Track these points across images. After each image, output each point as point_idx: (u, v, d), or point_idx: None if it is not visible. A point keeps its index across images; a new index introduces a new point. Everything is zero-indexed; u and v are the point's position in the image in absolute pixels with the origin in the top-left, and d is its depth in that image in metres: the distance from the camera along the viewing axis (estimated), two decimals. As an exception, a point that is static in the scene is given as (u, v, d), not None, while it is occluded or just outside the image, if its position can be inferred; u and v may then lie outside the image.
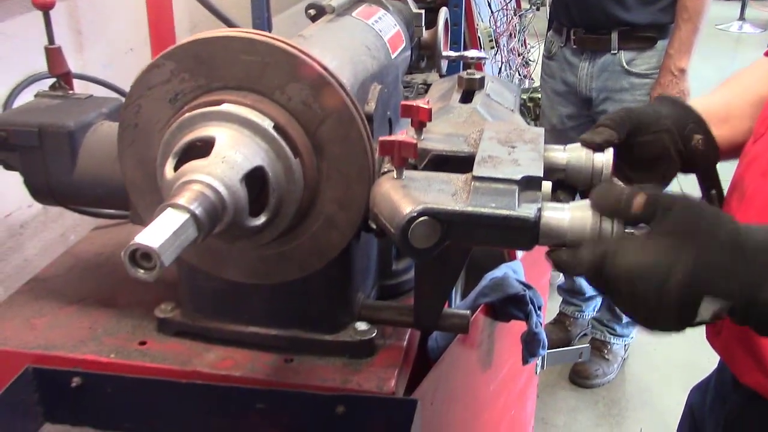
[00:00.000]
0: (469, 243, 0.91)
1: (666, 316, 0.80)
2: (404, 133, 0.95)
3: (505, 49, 3.36)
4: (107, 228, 1.65)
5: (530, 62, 3.98)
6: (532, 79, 4.07)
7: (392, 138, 0.91)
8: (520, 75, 3.69)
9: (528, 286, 1.36)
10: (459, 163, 1.01)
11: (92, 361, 1.21)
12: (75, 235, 1.89)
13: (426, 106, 0.99)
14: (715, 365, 1.31)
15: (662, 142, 1.16)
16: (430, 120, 1.01)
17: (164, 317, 1.25)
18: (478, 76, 1.27)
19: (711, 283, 0.78)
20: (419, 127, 1.03)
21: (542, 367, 1.84)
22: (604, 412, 3.08)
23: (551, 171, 1.05)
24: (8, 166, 1.29)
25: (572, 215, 0.89)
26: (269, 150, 0.94)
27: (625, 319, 3.15)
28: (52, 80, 1.39)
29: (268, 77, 0.97)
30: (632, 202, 0.83)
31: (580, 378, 3.17)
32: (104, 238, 1.61)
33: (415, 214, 0.87)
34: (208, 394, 1.14)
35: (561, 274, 3.09)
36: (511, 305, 1.37)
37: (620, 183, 0.88)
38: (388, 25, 1.49)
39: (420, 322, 1.21)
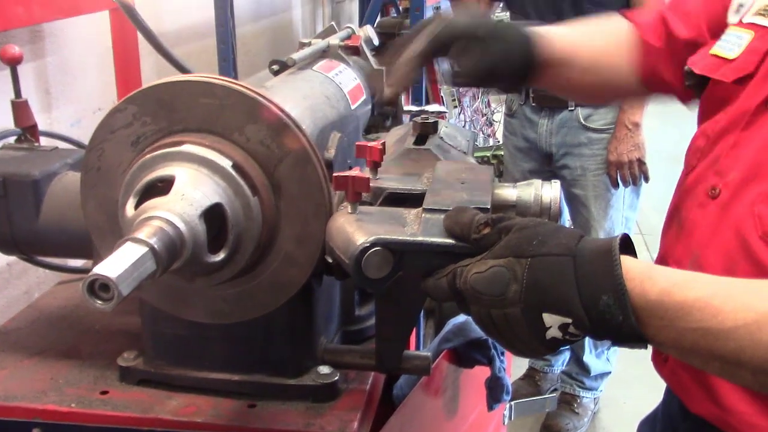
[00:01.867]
0: (421, 272, 0.93)
1: (517, 331, 0.83)
2: (358, 170, 0.98)
3: (469, 109, 3.45)
4: (71, 283, 1.64)
5: (494, 122, 4.09)
6: (497, 139, 4.18)
7: (346, 173, 0.95)
8: (484, 134, 3.79)
9: None
10: (413, 201, 1.05)
11: (53, 411, 1.19)
12: (39, 291, 1.87)
13: (379, 146, 1.03)
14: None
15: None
16: (382, 159, 1.05)
17: (127, 366, 1.25)
18: (431, 120, 1.32)
19: (544, 298, 0.80)
20: (373, 167, 1.07)
21: (510, 417, 1.84)
22: (577, 467, 3.06)
23: (502, 207, 1.09)
24: (-28, 216, 1.30)
25: None
26: (228, 188, 0.97)
27: (593, 371, 3.17)
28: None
29: (226, 119, 1.01)
30: (478, 228, 0.88)
31: (551, 433, 3.16)
32: (68, 292, 1.61)
33: (368, 244, 0.90)
34: (170, 442, 1.13)
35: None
36: (474, 350, 1.39)
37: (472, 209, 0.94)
38: (348, 78, 1.54)
39: (382, 365, 1.22)
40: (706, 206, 1.10)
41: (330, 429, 1.15)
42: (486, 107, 4.01)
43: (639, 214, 3.19)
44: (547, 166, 3.01)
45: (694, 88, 1.19)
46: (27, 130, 1.39)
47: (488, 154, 3.62)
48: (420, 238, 0.91)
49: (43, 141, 1.46)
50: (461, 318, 1.40)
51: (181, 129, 1.02)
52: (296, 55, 1.46)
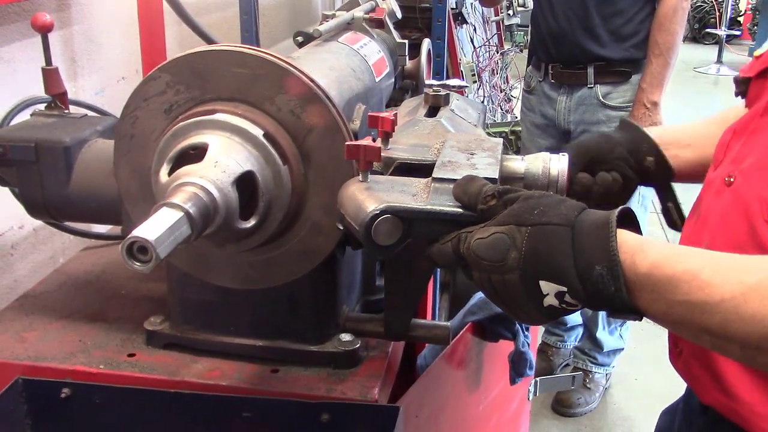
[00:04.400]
0: (429, 238, 0.96)
1: (515, 297, 0.85)
2: (369, 139, 1.00)
3: (487, 84, 3.45)
4: (97, 248, 1.67)
5: (512, 98, 4.08)
6: (515, 115, 4.17)
7: (357, 142, 0.96)
8: (502, 110, 3.78)
9: None
10: (423, 171, 1.06)
11: (82, 372, 1.22)
12: (64, 257, 1.90)
13: (390, 117, 1.04)
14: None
15: (619, 169, 1.29)
16: (393, 129, 1.06)
17: (153, 330, 1.28)
18: (443, 92, 1.33)
19: (541, 266, 0.82)
20: (385, 137, 1.09)
21: (535, 393, 1.85)
22: (587, 441, 3.10)
23: (510, 179, 1.11)
24: (4, 182, 1.33)
25: None
26: (259, 156, 0.99)
27: (606, 347, 3.19)
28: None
29: (258, 88, 1.02)
30: (485, 198, 0.90)
31: (562, 407, 3.19)
32: (94, 257, 1.64)
33: (378, 212, 0.92)
34: (195, 404, 1.16)
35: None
36: (499, 324, 1.40)
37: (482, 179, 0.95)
38: (372, 51, 1.55)
39: (390, 333, 1.24)
40: (722, 193, 1.11)
41: (351, 395, 1.18)
42: (504, 83, 4.00)
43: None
44: (564, 143, 2.98)
45: (743, 95, 1.21)
46: (57, 97, 1.41)
47: (506, 129, 3.62)
48: (429, 206, 0.93)
49: (71, 109, 1.47)
50: None
51: (213, 98, 1.03)
52: (322, 27, 1.47)
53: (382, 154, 0.99)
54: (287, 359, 1.24)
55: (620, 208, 0.85)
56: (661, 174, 1.30)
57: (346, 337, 1.26)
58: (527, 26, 5.18)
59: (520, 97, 3.30)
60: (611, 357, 3.23)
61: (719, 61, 9.90)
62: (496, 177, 1.00)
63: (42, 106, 1.44)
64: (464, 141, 1.14)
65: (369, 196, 0.95)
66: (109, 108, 1.82)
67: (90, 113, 1.68)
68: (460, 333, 1.29)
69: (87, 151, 1.30)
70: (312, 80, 1.02)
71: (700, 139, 1.32)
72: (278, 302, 1.21)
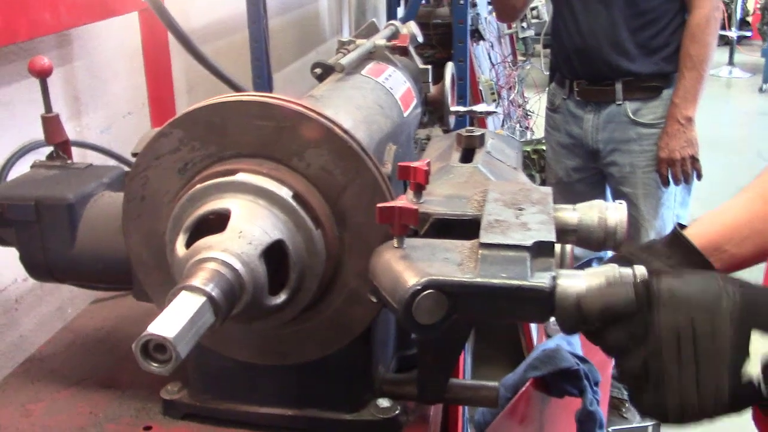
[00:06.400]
0: (478, 316, 0.84)
1: (717, 347, 0.75)
2: (403, 198, 0.89)
3: (505, 100, 3.34)
4: (107, 301, 1.57)
5: (530, 114, 3.97)
6: (533, 131, 4.06)
7: (391, 204, 0.85)
8: (521, 127, 3.67)
9: (583, 360, 1.28)
10: (462, 228, 0.96)
11: None
12: (72, 308, 1.81)
13: (424, 167, 0.93)
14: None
15: None
16: (428, 182, 0.95)
17: (171, 399, 1.18)
18: (477, 133, 1.23)
19: (759, 314, 0.75)
20: (417, 189, 0.97)
21: None
22: (624, 473, 2.97)
23: (561, 233, 0.99)
24: (3, 242, 1.23)
25: (589, 284, 0.84)
26: (288, 221, 0.88)
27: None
28: (48, 148, 1.33)
29: (284, 143, 0.91)
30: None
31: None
32: (104, 311, 1.54)
33: (420, 287, 0.81)
34: (221, 484, 1.07)
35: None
36: (564, 380, 1.29)
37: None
38: (398, 82, 1.44)
39: (424, 396, 1.15)
40: None
41: (393, 471, 1.08)
42: (521, 98, 3.89)
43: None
44: (592, 164, 2.90)
45: None
46: (58, 147, 1.30)
47: (528, 149, 3.49)
48: (479, 279, 0.83)
49: (75, 152, 1.38)
50: (550, 344, 1.30)
51: (233, 154, 0.93)
52: (344, 60, 1.36)
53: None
54: (319, 429, 1.14)
55: None
56: None
57: (383, 402, 1.15)
58: (539, 35, 5.11)
59: (540, 113, 3.19)
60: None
61: (731, 63, 9.81)
62: (554, 240, 0.89)
63: (43, 149, 1.34)
64: (509, 192, 1.03)
65: (407, 267, 0.84)
66: (116, 146, 1.74)
67: (94, 156, 1.60)
68: (523, 388, 1.18)
69: (93, 207, 1.20)
70: (346, 131, 0.90)
71: (758, 223, 1.19)
72: (307, 368, 1.10)
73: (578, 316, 0.82)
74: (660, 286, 0.78)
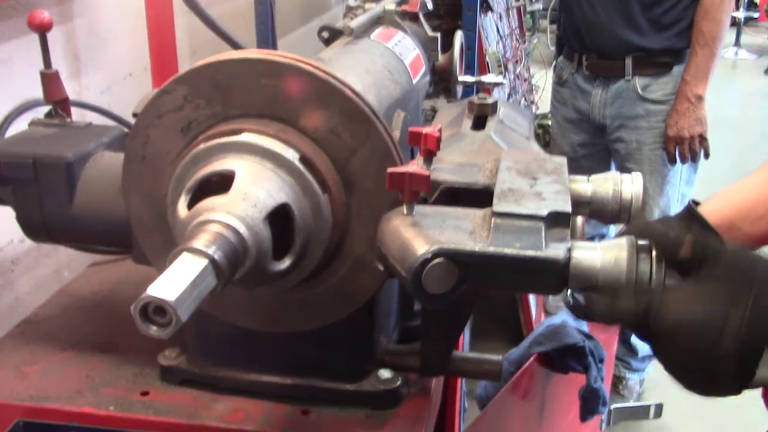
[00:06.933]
0: (489, 287, 0.82)
1: (722, 375, 0.75)
2: (414, 164, 0.87)
3: (511, 74, 3.31)
4: (105, 264, 1.56)
5: (536, 87, 3.93)
6: (537, 106, 4.02)
7: (402, 169, 0.83)
8: (526, 101, 3.63)
9: (589, 336, 1.26)
10: (473, 197, 0.94)
11: (90, 414, 1.13)
12: (69, 271, 1.79)
13: (435, 134, 0.90)
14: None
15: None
16: (438, 148, 0.92)
17: (168, 365, 1.18)
18: (490, 100, 1.21)
19: None
20: (428, 156, 0.94)
21: (608, 423, 1.72)
22: (621, 448, 2.99)
23: (575, 204, 0.97)
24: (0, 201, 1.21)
25: (604, 256, 0.83)
26: (294, 185, 0.86)
27: (640, 353, 3.06)
28: (47, 108, 1.31)
29: (292, 104, 0.88)
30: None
31: (594, 414, 3.07)
32: (101, 275, 1.53)
33: (430, 255, 0.79)
34: (218, 451, 1.07)
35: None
36: (569, 356, 1.28)
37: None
38: (407, 49, 1.41)
39: (427, 369, 1.15)
40: None
41: (393, 442, 1.08)
42: (527, 71, 3.85)
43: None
44: (598, 139, 2.86)
45: None
46: (57, 104, 1.28)
47: (534, 123, 3.42)
48: (492, 249, 0.81)
49: (74, 111, 1.35)
50: (556, 320, 1.28)
51: (239, 114, 0.90)
52: (353, 23, 1.32)
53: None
54: (320, 399, 1.14)
55: None
56: None
57: (385, 373, 1.15)
58: (546, 10, 5.04)
59: (545, 88, 3.15)
60: (645, 362, 3.10)
61: (737, 44, 9.73)
62: (569, 210, 0.86)
63: (42, 108, 1.32)
64: (523, 161, 1.00)
65: (417, 235, 0.82)
66: (116, 107, 1.72)
67: (94, 116, 1.57)
68: (526, 364, 1.17)
69: (91, 167, 1.18)
70: (356, 93, 0.87)
71: None
72: (308, 336, 1.09)
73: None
74: (661, 321, 0.77)
